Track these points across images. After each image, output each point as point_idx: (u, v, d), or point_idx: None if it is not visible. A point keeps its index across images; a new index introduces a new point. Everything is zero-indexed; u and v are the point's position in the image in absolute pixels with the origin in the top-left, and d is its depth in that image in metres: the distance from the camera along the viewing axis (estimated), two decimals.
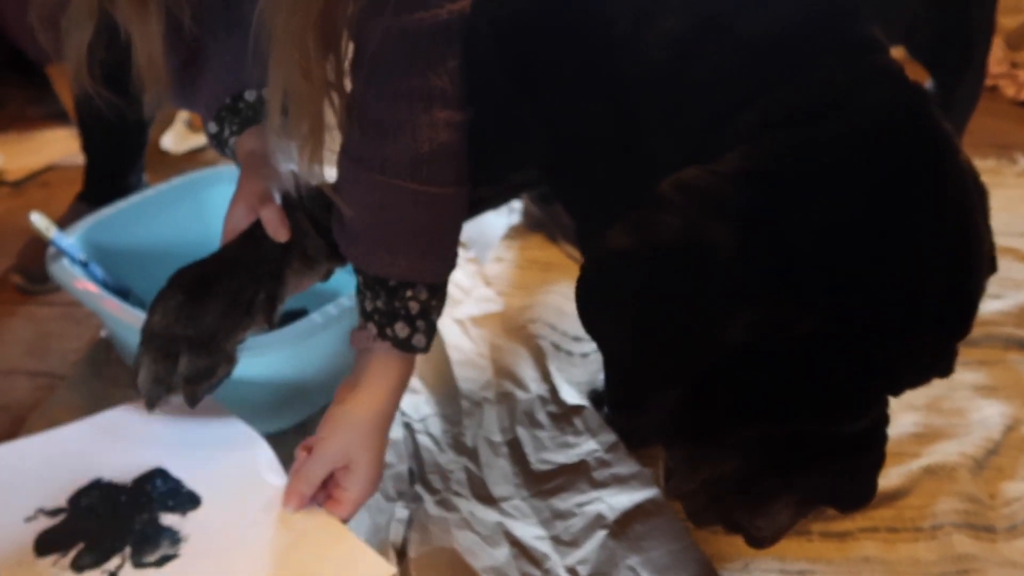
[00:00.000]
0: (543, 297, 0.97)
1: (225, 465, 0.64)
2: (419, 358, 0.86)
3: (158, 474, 0.63)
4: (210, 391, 0.62)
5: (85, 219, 0.83)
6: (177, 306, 0.61)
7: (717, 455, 0.55)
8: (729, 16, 0.52)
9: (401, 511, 0.68)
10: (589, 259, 0.53)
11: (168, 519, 0.60)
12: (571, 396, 0.80)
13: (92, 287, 0.73)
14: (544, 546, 0.66)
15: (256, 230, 0.63)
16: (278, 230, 0.63)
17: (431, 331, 0.63)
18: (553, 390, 0.82)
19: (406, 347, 0.62)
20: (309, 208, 0.64)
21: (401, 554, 0.64)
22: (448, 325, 0.91)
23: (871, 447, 0.53)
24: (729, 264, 0.46)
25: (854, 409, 0.50)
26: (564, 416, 0.79)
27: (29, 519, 0.59)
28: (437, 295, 0.63)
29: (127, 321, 0.69)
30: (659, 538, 0.67)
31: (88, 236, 0.81)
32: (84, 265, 0.77)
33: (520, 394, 0.82)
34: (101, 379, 0.81)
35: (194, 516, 0.60)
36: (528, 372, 0.85)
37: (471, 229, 1.13)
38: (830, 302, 0.46)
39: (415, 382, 0.84)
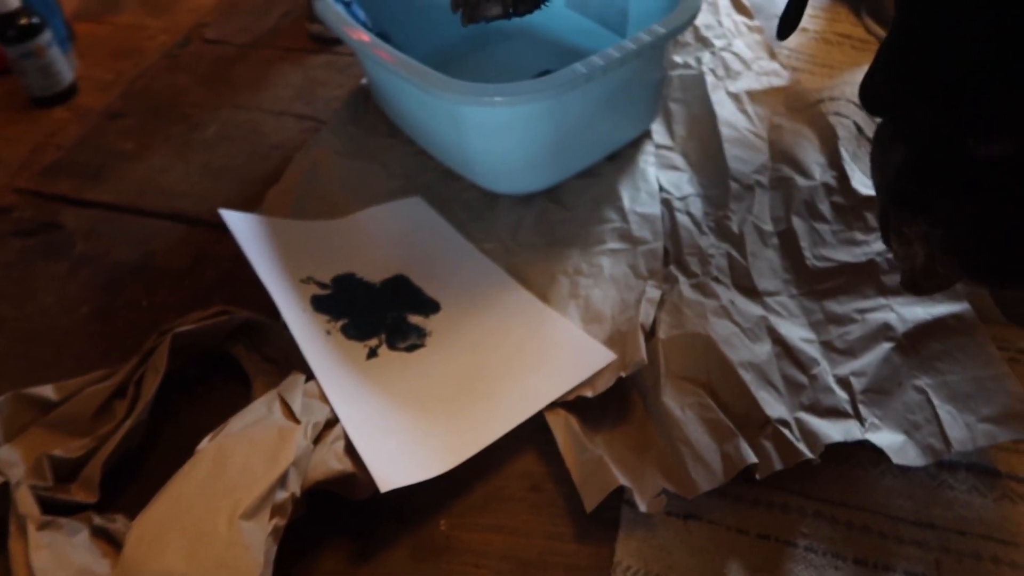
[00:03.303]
0: (851, 76, 0.80)
1: (458, 278, 0.66)
2: (684, 133, 0.77)
3: (401, 280, 0.66)
4: (529, 5, 0.56)
5: None
6: None
7: (892, 135, 0.44)
8: None
9: (652, 291, 0.61)
10: None
11: (414, 318, 0.63)
12: (864, 186, 0.68)
13: (357, 28, 0.70)
14: (812, 350, 0.58)
15: None
16: None
17: None
18: (843, 178, 0.69)
19: None
20: None
21: (651, 334, 0.59)
22: (722, 99, 0.79)
23: None
24: None
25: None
26: (853, 209, 0.67)
27: (303, 281, 0.64)
28: None
29: (386, 60, 0.65)
30: (961, 361, 0.56)
31: None
32: (347, 5, 0.74)
33: (800, 180, 0.70)
34: (359, 125, 0.81)
35: (435, 318, 0.63)
36: (812, 156, 0.72)
37: None
38: None
39: (678, 159, 0.75)
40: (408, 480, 0.50)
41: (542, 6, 0.57)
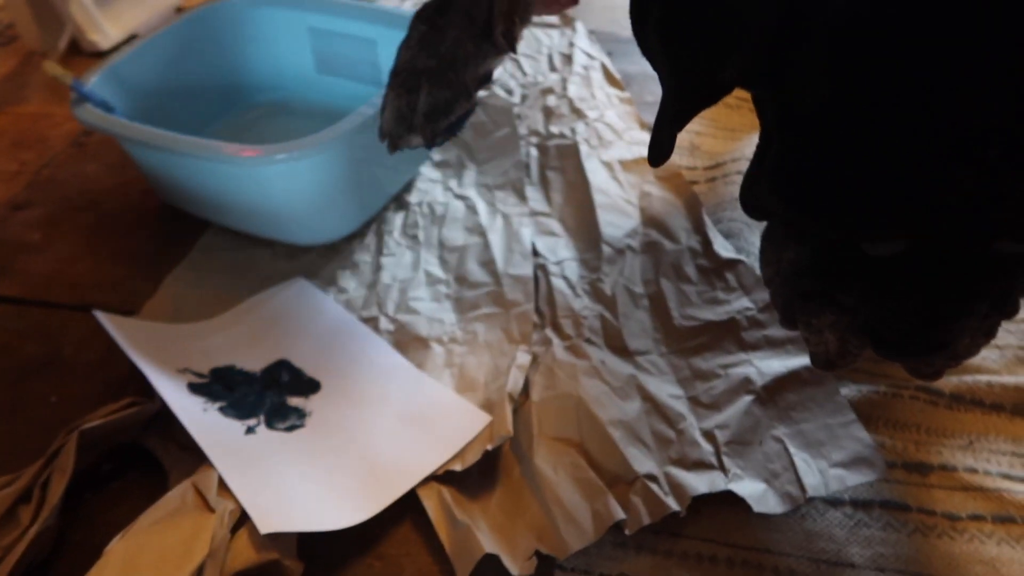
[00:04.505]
0: (750, 138, 0.85)
1: (340, 353, 0.67)
2: (561, 200, 0.80)
3: (283, 365, 0.66)
4: (449, 133, 0.60)
5: (103, 62, 0.79)
6: (419, 38, 0.58)
7: (782, 235, 0.48)
8: None
9: (523, 356, 0.63)
10: None
11: (294, 400, 0.63)
12: (726, 250, 0.72)
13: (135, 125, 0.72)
14: (680, 405, 0.60)
15: None
16: None
17: None
18: (706, 242, 0.73)
19: None
20: None
21: (525, 397, 0.61)
22: (595, 167, 0.83)
23: (937, 293, 0.43)
24: None
25: (878, 221, 0.40)
26: (715, 270, 0.70)
27: (180, 371, 0.63)
28: None
29: (190, 145, 0.68)
30: (813, 410, 0.59)
31: (112, 76, 0.78)
32: (109, 109, 0.74)
33: (668, 245, 0.74)
34: None
35: (315, 398, 0.63)
36: (679, 222, 0.76)
37: (628, 66, 1.02)
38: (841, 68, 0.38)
39: (555, 225, 0.78)
40: (291, 527, 0.50)
41: (457, 133, 0.61)
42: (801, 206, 0.43)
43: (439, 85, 0.58)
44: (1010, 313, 0.45)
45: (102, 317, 0.64)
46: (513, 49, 0.58)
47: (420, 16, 0.59)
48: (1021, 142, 0.35)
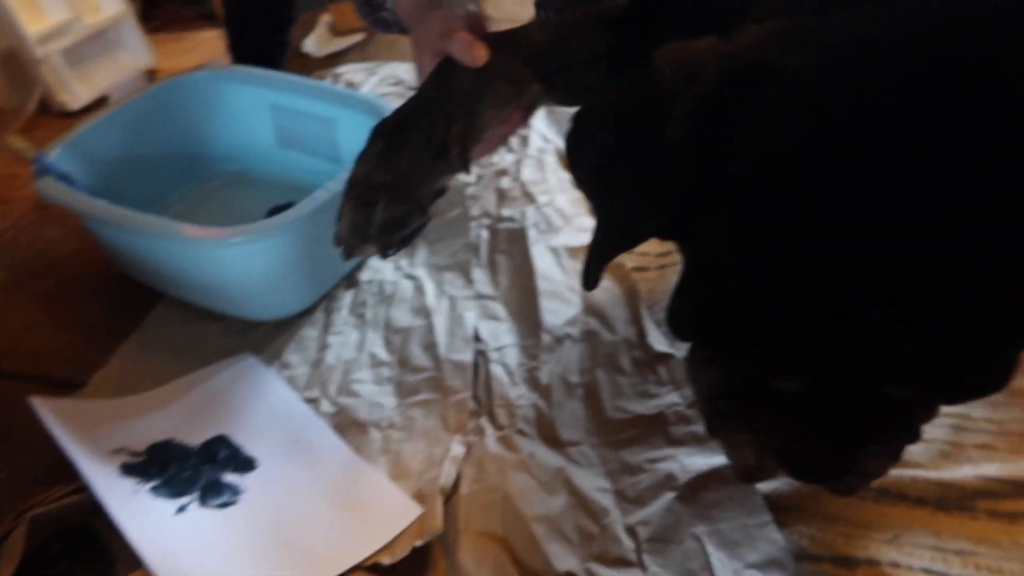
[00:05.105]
0: None
1: (279, 433, 0.68)
2: (507, 283, 0.83)
3: (221, 440, 0.68)
4: (403, 244, 0.62)
5: (67, 133, 0.82)
6: (378, 153, 0.60)
7: (703, 357, 0.51)
8: None
9: (457, 448, 0.65)
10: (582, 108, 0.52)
11: (229, 477, 0.64)
12: (659, 343, 0.74)
13: (99, 203, 0.74)
14: (606, 500, 0.62)
15: (446, 64, 0.59)
16: (470, 53, 0.56)
17: None
18: (641, 334, 0.76)
19: None
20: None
21: (455, 488, 0.62)
22: (542, 252, 0.86)
23: (847, 423, 0.46)
24: (664, 151, 0.43)
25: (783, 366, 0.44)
26: (649, 363, 0.73)
27: (114, 452, 0.64)
28: None
29: (151, 226, 0.71)
30: (732, 509, 0.61)
31: (75, 147, 0.81)
32: (70, 181, 0.77)
33: (606, 335, 0.76)
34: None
35: (251, 476, 0.65)
36: (618, 312, 0.79)
37: None
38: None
39: (499, 309, 0.80)
40: None
41: (410, 244, 0.64)
42: (710, 344, 0.47)
43: (395, 201, 0.60)
44: (913, 439, 0.48)
45: (38, 405, 0.65)
46: (467, 169, 0.60)
47: (379, 131, 0.61)
48: (902, 306, 0.39)
